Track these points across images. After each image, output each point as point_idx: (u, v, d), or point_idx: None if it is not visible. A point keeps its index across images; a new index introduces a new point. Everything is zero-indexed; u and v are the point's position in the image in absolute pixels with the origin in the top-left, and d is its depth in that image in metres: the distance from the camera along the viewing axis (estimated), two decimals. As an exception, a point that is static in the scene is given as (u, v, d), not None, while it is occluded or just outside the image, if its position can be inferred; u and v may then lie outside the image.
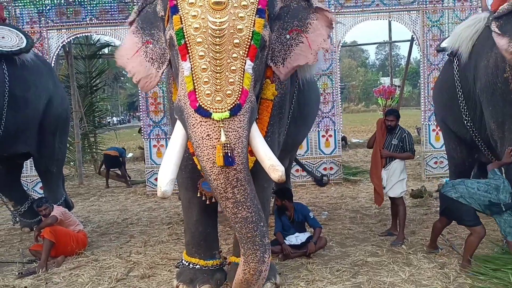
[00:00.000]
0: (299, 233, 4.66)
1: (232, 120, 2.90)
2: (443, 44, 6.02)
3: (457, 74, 5.24)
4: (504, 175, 4.34)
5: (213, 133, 2.88)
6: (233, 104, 2.91)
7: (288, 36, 3.42)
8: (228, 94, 2.91)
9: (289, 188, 4.95)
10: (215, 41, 2.88)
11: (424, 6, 8.32)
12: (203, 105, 2.89)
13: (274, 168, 3.05)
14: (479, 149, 5.22)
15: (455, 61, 5.23)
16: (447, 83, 5.51)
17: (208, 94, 2.89)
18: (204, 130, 2.89)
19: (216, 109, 2.89)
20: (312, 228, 4.75)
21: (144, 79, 3.53)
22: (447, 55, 5.66)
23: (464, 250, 4.11)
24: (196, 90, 2.92)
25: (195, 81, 2.92)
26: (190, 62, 2.93)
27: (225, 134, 2.86)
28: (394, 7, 8.37)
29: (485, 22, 4.74)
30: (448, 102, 5.52)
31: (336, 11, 8.30)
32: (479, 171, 6.14)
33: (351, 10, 8.37)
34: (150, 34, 3.51)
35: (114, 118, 32.35)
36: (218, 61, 2.89)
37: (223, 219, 5.65)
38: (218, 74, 2.90)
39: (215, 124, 2.87)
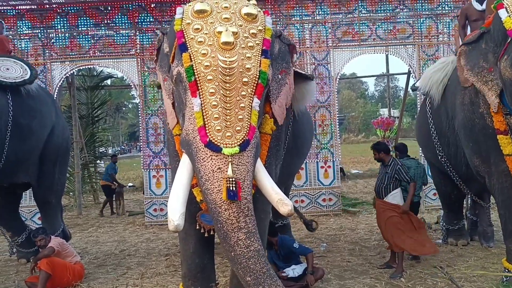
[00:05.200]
0: (295, 265, 4.63)
1: (241, 155, 3.00)
2: (417, 84, 6.30)
3: (429, 111, 5.54)
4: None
5: (223, 166, 2.97)
6: (242, 140, 3.03)
7: (280, 76, 3.58)
8: (238, 130, 3.03)
9: (273, 222, 4.95)
10: (225, 79, 3.02)
11: (420, 40, 8.53)
12: (213, 140, 2.99)
13: (283, 202, 3.11)
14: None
15: (428, 100, 5.51)
16: (423, 120, 5.81)
17: (218, 129, 3.01)
18: (214, 163, 2.98)
19: (226, 144, 2.99)
20: (304, 256, 4.70)
21: (170, 115, 3.59)
22: (422, 94, 5.93)
23: None
24: (206, 125, 3.02)
25: (205, 116, 3.03)
26: (201, 98, 3.04)
27: (235, 169, 2.96)
28: (390, 41, 8.59)
29: (453, 65, 4.96)
30: (426, 138, 5.82)
31: (333, 44, 8.51)
32: (473, 202, 6.20)
33: (348, 44, 8.58)
34: (165, 71, 3.61)
35: (112, 149, 31.89)
36: (228, 98, 3.02)
37: (221, 251, 5.61)
38: (228, 111, 3.03)
39: (225, 158, 2.97)
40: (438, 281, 4.57)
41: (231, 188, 2.90)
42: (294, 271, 4.58)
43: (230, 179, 2.92)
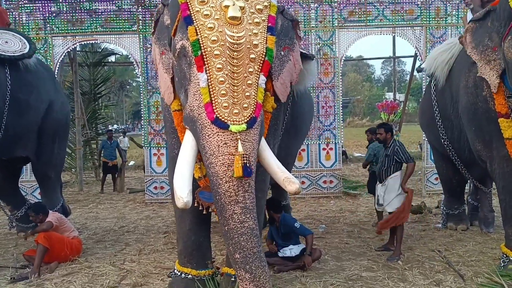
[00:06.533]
0: (293, 245, 4.61)
1: (248, 133, 2.97)
2: (423, 65, 6.19)
3: (434, 94, 5.46)
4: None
5: (230, 141, 2.93)
6: (250, 117, 2.99)
7: (282, 53, 3.50)
8: (245, 107, 2.99)
9: (277, 199, 4.94)
10: (233, 55, 2.96)
11: (428, 22, 8.35)
12: (220, 117, 2.95)
13: (290, 180, 3.11)
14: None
15: (433, 82, 5.44)
16: (428, 103, 5.73)
17: (225, 106, 2.96)
18: (221, 139, 2.94)
19: (234, 121, 2.95)
20: (303, 237, 4.68)
21: (166, 91, 3.52)
22: (427, 76, 5.84)
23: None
24: (213, 102, 2.97)
25: (211, 93, 2.98)
26: (207, 73, 2.97)
27: (242, 145, 2.92)
28: (397, 23, 8.41)
29: (460, 46, 4.82)
30: (429, 122, 5.75)
31: (339, 24, 8.36)
32: (474, 187, 6.15)
33: (354, 24, 8.42)
34: (163, 44, 3.54)
35: (114, 126, 31.61)
36: (235, 75, 2.97)
37: (219, 229, 5.62)
38: (235, 87, 2.97)
39: (232, 134, 2.93)
40: (436, 264, 4.55)
41: (247, 164, 2.87)
42: (291, 251, 4.56)
43: (244, 156, 2.88)
